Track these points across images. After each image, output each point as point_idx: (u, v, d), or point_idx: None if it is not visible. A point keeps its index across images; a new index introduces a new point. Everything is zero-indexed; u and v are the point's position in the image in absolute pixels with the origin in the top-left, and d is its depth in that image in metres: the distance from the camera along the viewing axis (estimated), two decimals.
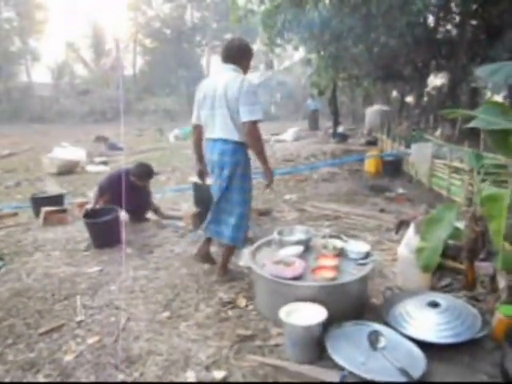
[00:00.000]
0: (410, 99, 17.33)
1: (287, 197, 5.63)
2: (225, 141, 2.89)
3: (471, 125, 3.16)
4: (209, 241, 3.32)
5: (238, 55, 2.96)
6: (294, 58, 18.35)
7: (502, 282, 2.52)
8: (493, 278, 2.64)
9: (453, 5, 13.33)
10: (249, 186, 3.05)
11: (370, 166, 7.82)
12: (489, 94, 20.62)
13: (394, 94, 19.73)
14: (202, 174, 3.31)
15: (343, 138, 12.23)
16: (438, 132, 9.60)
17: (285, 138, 13.03)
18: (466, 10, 12.45)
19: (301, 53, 11.97)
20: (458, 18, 13.98)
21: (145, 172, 4.42)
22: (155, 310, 2.81)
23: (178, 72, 31.56)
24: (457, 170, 5.19)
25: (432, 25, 14.06)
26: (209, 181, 3.29)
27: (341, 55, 8.35)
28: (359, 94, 19.38)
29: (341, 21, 7.04)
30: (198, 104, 3.05)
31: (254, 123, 2.80)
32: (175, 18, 35.09)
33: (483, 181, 3.32)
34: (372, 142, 11.11)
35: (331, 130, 13.00)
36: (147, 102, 28.57)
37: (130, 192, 3.94)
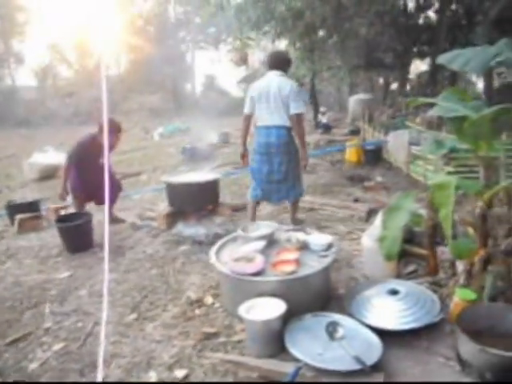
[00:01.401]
0: (394, 86, 17.38)
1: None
2: (280, 127, 3.82)
3: (431, 113, 3.19)
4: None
5: (283, 64, 3.92)
6: None
7: (460, 267, 2.56)
8: (453, 263, 2.68)
9: None
10: (297, 157, 3.96)
11: (351, 155, 7.85)
12: (474, 78, 20.70)
13: (381, 81, 19.78)
14: (244, 156, 4.12)
15: (327, 128, 12.24)
16: (419, 118, 9.63)
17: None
18: None
19: (281, 46, 11.96)
20: (437, 4, 14.01)
21: (110, 126, 4.02)
22: (123, 312, 2.82)
23: (163, 69, 31.37)
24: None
25: (412, 11, 14.08)
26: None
27: (316, 46, 8.36)
28: (345, 84, 19.37)
29: (313, 12, 7.05)
30: (251, 100, 3.91)
31: (300, 115, 3.81)
32: (158, 14, 34.78)
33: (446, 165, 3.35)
34: (355, 131, 11.14)
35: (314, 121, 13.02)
36: (133, 100, 28.41)
37: (98, 161, 4.16)
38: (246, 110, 3.96)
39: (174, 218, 4.22)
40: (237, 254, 2.63)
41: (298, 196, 4.12)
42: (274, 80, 3.80)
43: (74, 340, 2.56)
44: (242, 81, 29.76)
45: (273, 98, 3.77)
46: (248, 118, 3.99)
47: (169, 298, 2.97)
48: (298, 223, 4.04)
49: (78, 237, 3.94)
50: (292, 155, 3.92)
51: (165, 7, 35.59)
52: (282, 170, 3.89)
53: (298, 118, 3.77)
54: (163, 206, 4.62)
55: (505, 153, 2.84)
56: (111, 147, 4.36)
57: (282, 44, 10.43)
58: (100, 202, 4.55)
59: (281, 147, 3.84)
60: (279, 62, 3.90)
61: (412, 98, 3.30)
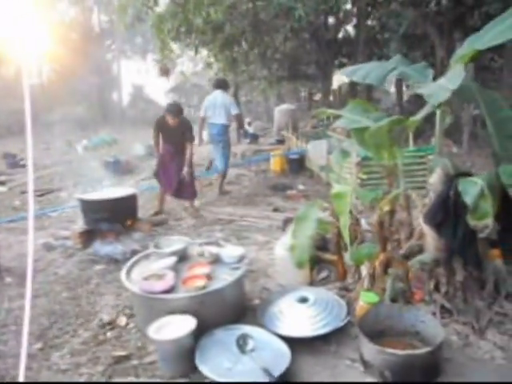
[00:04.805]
0: (319, 97, 18.08)
1: (188, 204, 5.61)
2: (223, 124, 6.04)
3: (337, 124, 3.36)
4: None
5: (224, 85, 6.34)
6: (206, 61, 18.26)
7: (364, 271, 2.70)
8: (358, 268, 2.81)
9: (349, 6, 14.12)
10: (229, 145, 6.35)
11: (275, 164, 8.01)
12: (393, 88, 22.11)
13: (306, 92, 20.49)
14: (202, 141, 6.56)
15: (254, 138, 12.42)
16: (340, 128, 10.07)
17: (197, 142, 12.91)
18: (360, 11, 13.23)
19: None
20: (355, 20, 14.85)
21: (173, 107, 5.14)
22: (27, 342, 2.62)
23: (88, 79, 30.11)
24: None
25: (332, 26, 14.80)
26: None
27: (238, 58, 8.49)
28: (272, 94, 19.82)
29: (232, 25, 7.17)
30: (205, 108, 6.12)
31: (238, 114, 6.33)
32: (82, 22, 33.41)
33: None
34: (281, 141, 11.39)
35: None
36: (55, 112, 26.84)
37: (174, 137, 5.14)
38: (202, 114, 6.24)
39: (89, 236, 4.04)
40: (147, 272, 2.57)
41: (226, 169, 6.24)
42: (219, 95, 6.09)
43: None
44: (170, 91, 29.39)
45: (219, 106, 5.99)
46: (202, 119, 6.25)
47: (79, 322, 2.83)
48: (225, 193, 6.20)
49: None
50: (225, 142, 6.15)
51: (89, 15, 34.31)
52: (219, 151, 6.10)
53: (237, 115, 6.32)
54: (80, 224, 4.41)
55: (403, 161, 3.05)
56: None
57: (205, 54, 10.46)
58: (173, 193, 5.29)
59: (220, 136, 6.06)
60: (221, 84, 6.30)
61: (319, 110, 3.45)
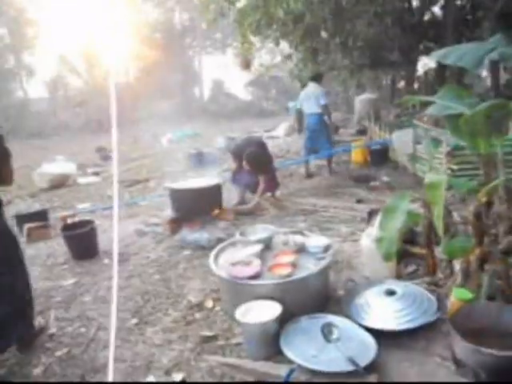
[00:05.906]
0: (402, 85, 17.19)
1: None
2: (318, 113, 6.54)
3: (429, 111, 3.18)
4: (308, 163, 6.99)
5: (317, 78, 6.86)
6: (284, 53, 18.20)
7: (457, 266, 2.55)
8: (450, 262, 2.66)
9: None
10: (328, 131, 6.84)
11: (356, 156, 7.80)
12: (484, 72, 20.40)
13: (388, 80, 19.59)
14: (300, 131, 7.36)
15: (334, 128, 12.16)
16: (426, 116, 9.52)
17: (277, 134, 13.00)
18: None
19: (286, 48, 11.90)
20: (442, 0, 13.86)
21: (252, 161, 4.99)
22: (125, 317, 2.86)
23: (171, 75, 31.61)
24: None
25: (417, 8, 13.95)
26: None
27: (319, 48, 8.35)
28: (352, 84, 19.24)
29: (312, 14, 7.07)
30: (301, 100, 6.79)
31: (326, 104, 6.55)
32: (164, 21, 35.07)
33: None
34: (362, 131, 11.06)
35: None
36: (142, 108, 28.60)
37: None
38: (298, 106, 7.02)
39: (177, 223, 4.26)
40: (235, 258, 2.66)
41: (331, 154, 6.85)
42: (312, 87, 6.68)
43: (77, 345, 2.61)
44: (249, 84, 29.80)
45: (311, 97, 6.55)
46: (299, 110, 7.01)
47: (170, 302, 3.02)
48: (333, 172, 6.86)
49: (83, 244, 4.01)
50: (323, 129, 6.65)
51: (171, 14, 35.87)
52: (321, 137, 6.61)
53: (325, 106, 6.54)
54: (168, 212, 4.67)
55: (503, 149, 2.80)
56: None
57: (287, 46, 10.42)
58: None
59: (317, 125, 6.60)
60: (315, 77, 6.89)
61: (405, 98, 3.30)
